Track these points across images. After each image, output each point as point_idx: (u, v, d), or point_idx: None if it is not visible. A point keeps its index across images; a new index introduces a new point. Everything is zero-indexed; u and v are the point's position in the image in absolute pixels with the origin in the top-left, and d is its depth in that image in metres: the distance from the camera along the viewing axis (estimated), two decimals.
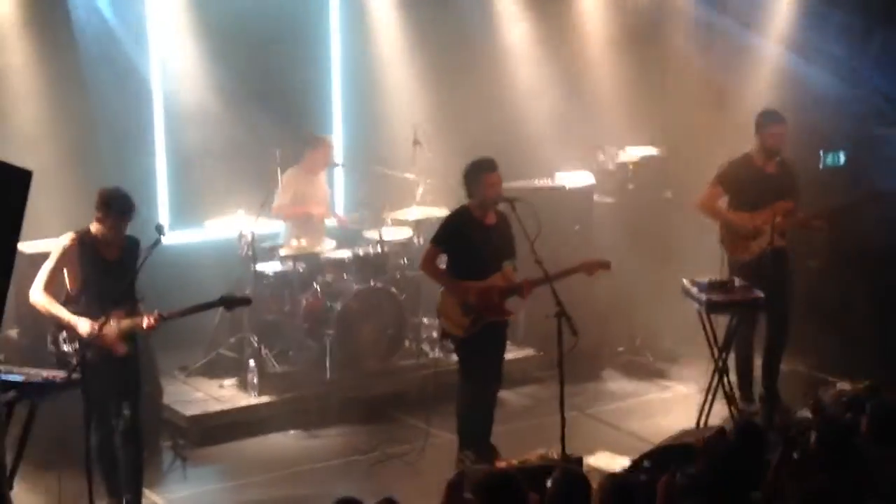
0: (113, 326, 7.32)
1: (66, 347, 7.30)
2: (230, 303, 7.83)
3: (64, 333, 7.33)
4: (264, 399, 9.38)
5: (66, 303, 7.39)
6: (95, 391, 7.25)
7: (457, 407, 8.43)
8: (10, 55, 9.47)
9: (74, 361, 7.08)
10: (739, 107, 10.42)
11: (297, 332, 9.77)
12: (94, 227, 7.42)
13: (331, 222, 10.55)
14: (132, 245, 7.48)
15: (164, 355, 9.18)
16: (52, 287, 7.39)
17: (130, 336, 7.48)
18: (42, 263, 7.65)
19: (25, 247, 8.11)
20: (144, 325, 7.40)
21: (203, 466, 8.71)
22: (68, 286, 7.40)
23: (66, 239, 7.43)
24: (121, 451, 7.57)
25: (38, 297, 7.37)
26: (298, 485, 8.33)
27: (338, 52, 11.33)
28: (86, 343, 7.15)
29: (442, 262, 8.37)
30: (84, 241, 7.40)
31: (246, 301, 7.94)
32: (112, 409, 7.52)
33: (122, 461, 7.60)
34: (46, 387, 6.83)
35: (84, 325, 7.24)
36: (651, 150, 11.01)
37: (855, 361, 9.66)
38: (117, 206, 7.37)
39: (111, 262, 7.39)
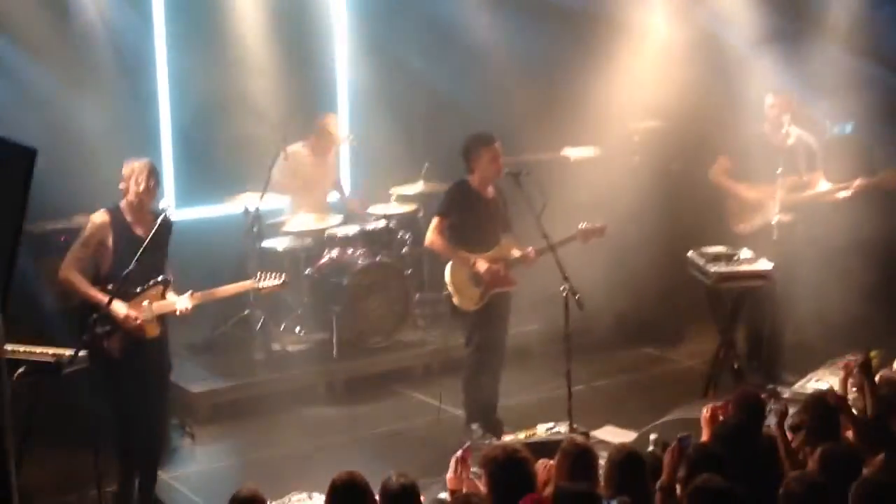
0: (146, 308, 7.20)
1: (97, 329, 7.03)
2: (263, 288, 7.82)
3: (95, 315, 7.02)
4: (271, 376, 9.39)
5: (98, 281, 7.18)
6: (124, 374, 7.17)
7: (464, 381, 8.46)
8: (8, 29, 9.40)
9: (104, 343, 7.02)
10: (748, 78, 10.34)
11: (303, 309, 9.78)
12: (123, 203, 7.25)
13: (333, 197, 10.50)
14: (164, 221, 7.27)
15: (171, 332, 9.14)
16: (83, 265, 7.20)
17: (163, 316, 7.36)
18: (49, 242, 7.65)
19: (31, 227, 8.11)
20: (178, 309, 7.31)
21: (210, 444, 8.74)
22: (100, 264, 7.21)
23: (99, 216, 7.24)
24: (143, 436, 7.42)
25: (70, 275, 7.17)
26: (306, 461, 8.33)
27: (343, 27, 11.29)
28: (111, 326, 7.06)
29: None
30: (116, 218, 7.21)
31: (279, 285, 7.86)
32: (140, 392, 7.31)
33: (142, 444, 7.44)
34: (54, 364, 6.80)
35: (119, 308, 7.08)
36: (656, 123, 10.96)
37: (861, 333, 9.65)
38: (143, 177, 7.18)
39: (143, 240, 7.12)
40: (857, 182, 9.10)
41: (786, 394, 8.73)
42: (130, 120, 10.00)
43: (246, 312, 9.66)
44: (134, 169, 7.24)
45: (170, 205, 7.61)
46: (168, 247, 7.38)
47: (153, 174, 7.29)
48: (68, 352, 6.83)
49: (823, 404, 6.18)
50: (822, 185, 9.20)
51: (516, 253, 8.30)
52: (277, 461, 8.38)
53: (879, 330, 9.53)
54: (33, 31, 9.38)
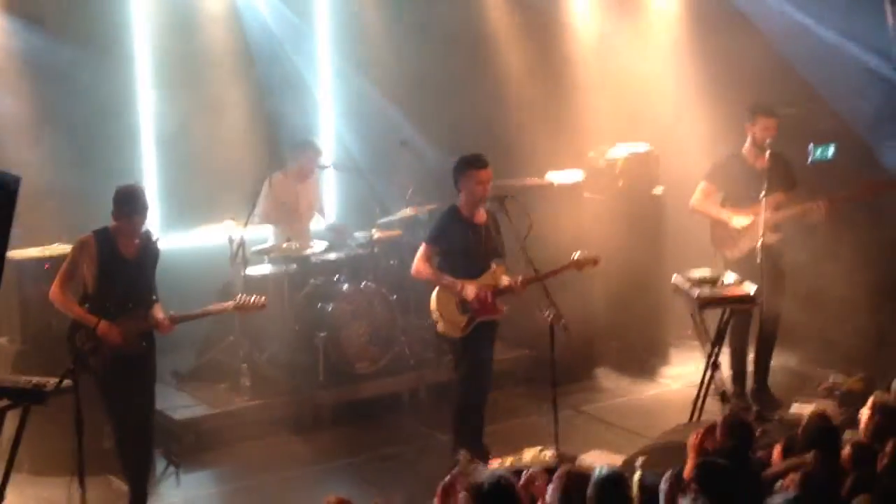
0: (131, 326, 7.42)
1: (83, 345, 7.32)
2: (244, 307, 7.98)
3: (81, 332, 7.35)
4: (257, 402, 9.35)
5: (85, 300, 7.44)
6: (113, 390, 7.44)
7: (451, 407, 8.42)
8: None
9: (90, 361, 7.21)
10: (730, 100, 10.37)
11: (288, 335, 9.75)
12: (112, 225, 7.48)
13: (317, 224, 10.51)
14: (151, 243, 7.56)
15: (157, 357, 9.14)
16: (71, 284, 7.46)
17: (147, 334, 7.59)
18: (32, 268, 7.65)
19: (15, 253, 8.10)
20: (160, 326, 7.55)
21: (196, 471, 8.69)
22: (87, 284, 7.45)
23: (85, 237, 7.49)
24: (130, 454, 7.66)
25: (57, 294, 7.43)
26: (292, 488, 8.31)
27: (326, 54, 11.33)
28: (95, 343, 7.26)
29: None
30: (102, 239, 7.45)
31: (260, 306, 8.03)
32: (130, 407, 7.55)
33: (132, 451, 7.67)
34: (37, 394, 6.78)
35: (102, 325, 7.31)
36: (640, 147, 10.99)
37: (846, 356, 9.68)
38: (130, 203, 7.44)
39: (130, 261, 7.44)
40: (832, 197, 9.16)
41: (773, 417, 8.77)
42: (114, 147, 10.00)
43: (231, 339, 9.63)
44: (117, 200, 7.45)
45: (153, 233, 7.72)
46: (155, 268, 7.63)
47: (141, 200, 7.48)
48: (53, 380, 6.81)
49: (820, 424, 6.17)
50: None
51: (505, 281, 8.26)
52: (264, 488, 8.35)
53: (865, 352, 9.56)
54: (17, 64, 9.40)
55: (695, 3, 11.25)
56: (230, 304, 8.04)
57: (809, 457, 5.89)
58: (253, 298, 8.03)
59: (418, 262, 8.28)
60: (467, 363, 8.28)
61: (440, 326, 8.28)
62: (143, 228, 7.57)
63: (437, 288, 8.26)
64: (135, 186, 7.64)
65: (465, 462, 8.05)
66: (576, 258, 8.35)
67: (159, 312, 7.61)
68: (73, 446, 6.86)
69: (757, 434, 6.82)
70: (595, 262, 8.39)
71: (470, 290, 8.14)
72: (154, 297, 7.60)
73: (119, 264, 7.40)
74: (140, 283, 7.49)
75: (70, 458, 7.02)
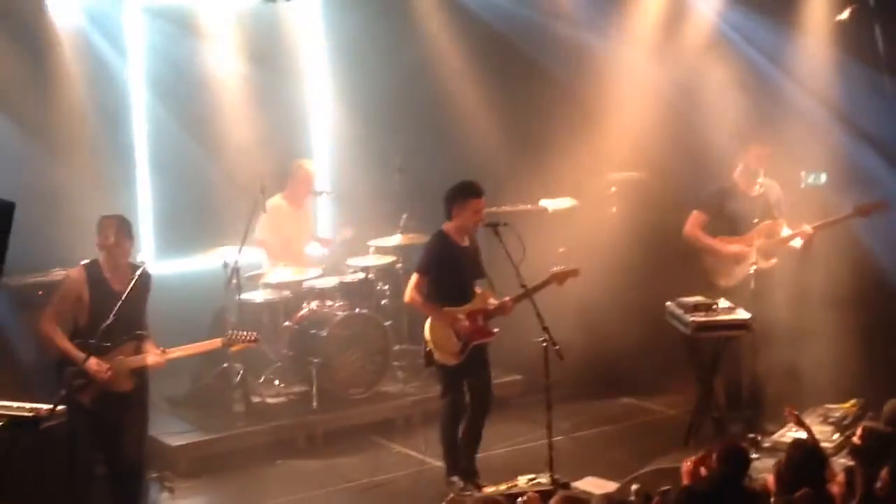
0: (120, 363, 7.32)
1: (73, 382, 7.13)
2: (234, 343, 7.94)
3: (72, 368, 7.17)
4: (251, 428, 9.33)
5: (76, 335, 7.33)
6: (104, 426, 7.34)
7: (442, 433, 8.41)
8: None
9: (81, 397, 7.11)
10: (719, 128, 10.40)
11: (282, 361, 9.74)
12: (101, 258, 7.42)
13: (313, 249, 10.53)
14: (141, 276, 7.37)
15: (150, 385, 9.11)
16: (61, 318, 7.36)
17: (138, 370, 7.46)
18: (28, 296, 7.64)
19: (9, 280, 8.08)
20: (150, 363, 7.42)
21: (190, 497, 8.66)
22: (77, 317, 7.35)
23: (75, 271, 7.43)
24: (122, 484, 7.57)
25: (46, 328, 7.32)
26: None
27: (322, 81, 11.34)
28: (84, 379, 7.15)
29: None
30: (92, 271, 7.38)
31: (250, 341, 7.96)
32: (119, 442, 7.46)
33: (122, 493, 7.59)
34: (29, 421, 6.75)
35: (91, 363, 7.17)
36: (633, 175, 11.01)
37: (841, 381, 9.66)
38: (112, 231, 7.37)
39: (120, 293, 7.24)
40: (827, 220, 9.19)
41: (766, 443, 8.75)
42: (109, 174, 10.00)
43: (225, 365, 9.61)
44: (104, 224, 7.42)
45: (147, 259, 7.69)
46: (146, 301, 7.51)
47: (123, 228, 7.45)
48: (46, 407, 6.78)
49: (804, 452, 6.16)
50: (786, 231, 9.26)
51: (494, 302, 8.28)
52: None
53: (859, 378, 9.55)
54: (12, 86, 9.40)
55: (686, 36, 11.29)
56: (218, 341, 7.95)
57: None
58: (244, 334, 7.97)
59: (411, 292, 8.28)
60: (458, 389, 8.28)
61: (436, 356, 8.26)
62: (137, 260, 7.50)
63: (429, 317, 8.26)
64: (114, 216, 7.54)
65: (458, 489, 8.07)
66: (556, 271, 8.37)
67: (150, 347, 7.49)
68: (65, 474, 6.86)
69: (752, 458, 6.84)
70: (575, 273, 8.42)
71: (464, 318, 8.16)
72: (145, 331, 7.47)
73: (110, 297, 7.23)
74: (131, 316, 7.30)
75: (63, 485, 7.00)
